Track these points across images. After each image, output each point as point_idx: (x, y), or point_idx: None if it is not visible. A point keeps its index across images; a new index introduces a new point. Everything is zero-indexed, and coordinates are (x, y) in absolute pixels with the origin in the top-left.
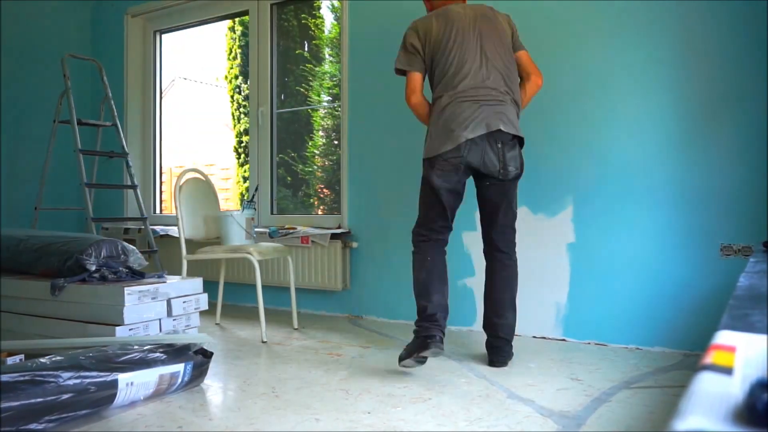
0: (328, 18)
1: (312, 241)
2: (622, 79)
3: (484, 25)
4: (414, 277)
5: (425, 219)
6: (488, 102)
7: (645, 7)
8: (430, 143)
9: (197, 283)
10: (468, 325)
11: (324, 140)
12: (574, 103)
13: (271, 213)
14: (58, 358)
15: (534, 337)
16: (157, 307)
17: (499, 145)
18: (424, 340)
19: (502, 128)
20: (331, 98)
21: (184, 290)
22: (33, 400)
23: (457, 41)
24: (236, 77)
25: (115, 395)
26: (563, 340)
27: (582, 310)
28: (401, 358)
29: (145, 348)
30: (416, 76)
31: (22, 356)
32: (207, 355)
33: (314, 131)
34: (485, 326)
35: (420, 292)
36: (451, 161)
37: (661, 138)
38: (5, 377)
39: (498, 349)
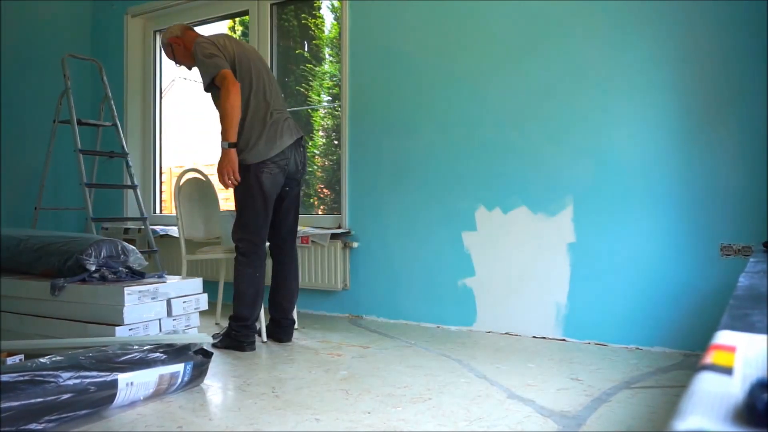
0: (328, 18)
1: (312, 241)
2: (622, 79)
3: (261, 60)
4: (242, 290)
5: (254, 227)
6: (288, 117)
7: (645, 7)
8: (256, 149)
9: (197, 283)
10: (468, 325)
11: (324, 140)
12: (574, 103)
13: None
14: (58, 358)
15: (534, 337)
16: (157, 307)
17: (302, 149)
18: (241, 344)
19: (302, 134)
20: (331, 98)
21: (184, 290)
22: (33, 400)
23: (254, 67)
24: None
25: (115, 395)
26: (563, 340)
27: (582, 310)
28: (214, 344)
29: (145, 348)
30: (231, 72)
31: (22, 356)
32: (207, 355)
33: (314, 131)
34: (276, 311)
35: (248, 304)
36: (278, 164)
37: (661, 138)
38: (5, 377)
39: (286, 328)
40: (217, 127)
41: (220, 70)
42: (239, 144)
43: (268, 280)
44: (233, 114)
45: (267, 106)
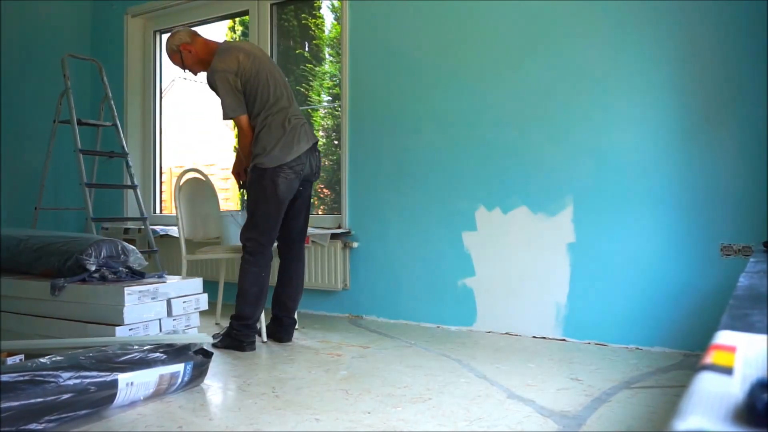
0: (328, 18)
1: (312, 241)
2: (622, 79)
3: (274, 66)
4: (245, 288)
5: (264, 229)
6: (305, 122)
7: (645, 7)
8: (273, 154)
9: (197, 283)
10: (468, 325)
11: (324, 140)
12: (574, 103)
13: None
14: (58, 358)
15: (534, 337)
16: (157, 307)
17: (317, 153)
18: (242, 344)
19: (317, 139)
20: (331, 98)
21: (184, 290)
22: (33, 400)
23: (271, 78)
24: None
25: (115, 395)
26: (563, 340)
27: (582, 310)
28: (214, 344)
29: (145, 348)
30: (246, 118)
31: (22, 356)
32: (207, 355)
33: (314, 131)
34: (280, 309)
35: (250, 303)
36: (295, 169)
37: (661, 138)
38: (5, 377)
39: (288, 327)
40: (216, 127)
41: (236, 116)
42: (256, 149)
43: (272, 280)
44: (244, 149)
45: (285, 113)
